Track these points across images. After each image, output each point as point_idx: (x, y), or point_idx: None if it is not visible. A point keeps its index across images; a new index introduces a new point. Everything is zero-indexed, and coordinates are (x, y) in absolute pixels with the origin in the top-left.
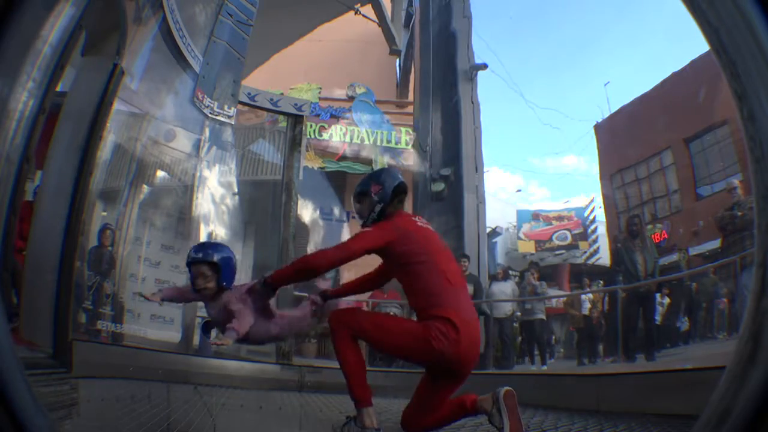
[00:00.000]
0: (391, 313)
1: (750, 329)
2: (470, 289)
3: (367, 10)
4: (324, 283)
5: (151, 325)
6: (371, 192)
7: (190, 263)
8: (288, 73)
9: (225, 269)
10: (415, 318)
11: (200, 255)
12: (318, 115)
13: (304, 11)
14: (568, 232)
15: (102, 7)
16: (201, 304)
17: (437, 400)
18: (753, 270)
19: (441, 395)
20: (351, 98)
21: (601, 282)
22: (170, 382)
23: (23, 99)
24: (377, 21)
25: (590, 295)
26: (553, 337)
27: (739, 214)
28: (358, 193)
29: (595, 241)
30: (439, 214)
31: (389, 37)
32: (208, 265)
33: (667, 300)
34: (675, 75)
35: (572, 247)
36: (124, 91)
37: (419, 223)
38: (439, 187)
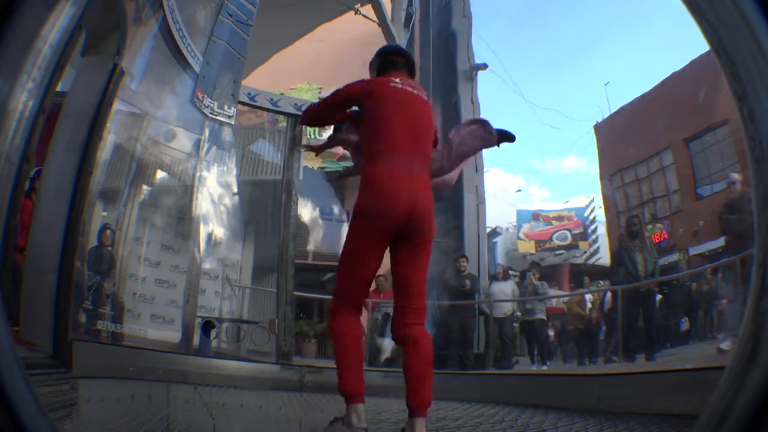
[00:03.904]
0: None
1: (750, 329)
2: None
3: (367, 10)
4: None
5: (151, 325)
6: (371, 63)
7: None
8: (288, 73)
9: None
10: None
11: None
12: None
13: (304, 11)
14: (568, 232)
15: (102, 7)
16: (201, 304)
17: (404, 274)
18: (753, 270)
19: (406, 268)
20: None
21: (602, 282)
22: (170, 382)
23: (23, 99)
24: (377, 21)
25: (590, 295)
26: (551, 334)
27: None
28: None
29: (595, 241)
30: (439, 214)
31: (389, 37)
32: None
33: (659, 297)
34: (675, 75)
35: (572, 247)
36: (124, 91)
37: (392, 84)
38: None
